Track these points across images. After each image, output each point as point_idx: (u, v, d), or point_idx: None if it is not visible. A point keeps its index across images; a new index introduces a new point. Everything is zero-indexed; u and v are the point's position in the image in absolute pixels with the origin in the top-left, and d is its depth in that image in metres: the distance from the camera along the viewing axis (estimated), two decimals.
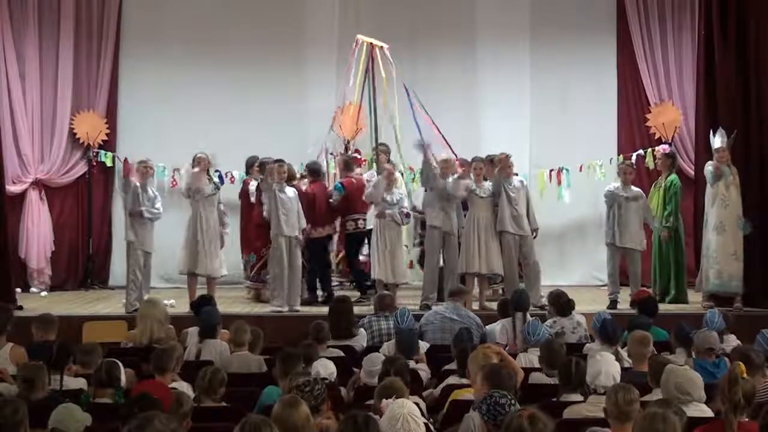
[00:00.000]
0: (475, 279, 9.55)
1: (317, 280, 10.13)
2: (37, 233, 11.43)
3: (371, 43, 11.07)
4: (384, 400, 4.24)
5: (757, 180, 9.73)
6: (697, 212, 10.12)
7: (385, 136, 10.99)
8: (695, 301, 9.85)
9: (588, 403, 4.95)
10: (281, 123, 11.73)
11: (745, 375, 4.18)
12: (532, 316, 7.40)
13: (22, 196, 11.41)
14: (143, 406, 4.04)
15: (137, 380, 5.69)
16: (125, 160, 11.53)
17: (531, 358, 6.51)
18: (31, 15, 11.53)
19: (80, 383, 5.62)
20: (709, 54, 10.04)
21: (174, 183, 11.57)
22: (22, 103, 11.43)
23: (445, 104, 11.36)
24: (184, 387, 5.41)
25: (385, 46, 11.08)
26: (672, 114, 11.77)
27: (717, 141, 9.45)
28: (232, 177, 11.46)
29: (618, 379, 5.07)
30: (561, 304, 7.81)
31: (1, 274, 9.71)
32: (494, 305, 9.17)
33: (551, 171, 11.78)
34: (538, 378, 5.90)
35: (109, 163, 11.83)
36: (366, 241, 10.29)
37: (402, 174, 10.84)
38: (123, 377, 5.43)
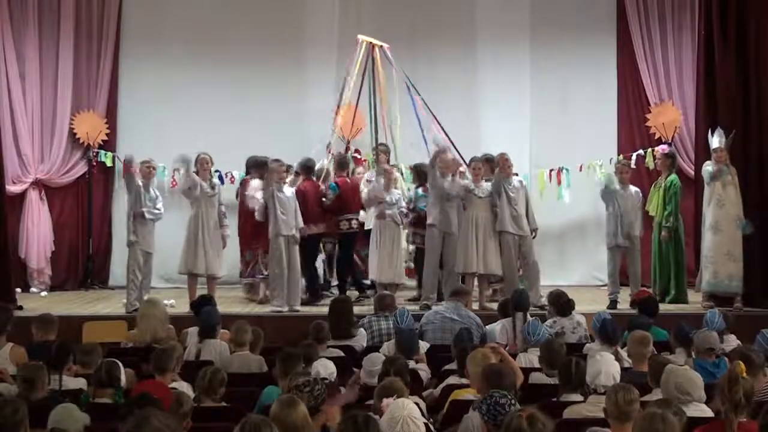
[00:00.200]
0: (475, 279, 9.55)
1: (309, 277, 10.09)
2: (37, 233, 11.43)
3: (372, 43, 11.06)
4: (385, 399, 4.24)
5: (757, 180, 9.73)
6: (698, 212, 10.12)
7: (385, 136, 10.98)
8: (695, 301, 9.85)
9: (588, 403, 4.95)
10: (281, 123, 11.73)
11: (744, 374, 4.18)
12: (532, 316, 7.40)
13: (22, 196, 11.41)
14: (143, 406, 4.03)
15: (137, 380, 5.69)
16: (124, 160, 11.54)
17: (531, 358, 6.51)
18: (31, 15, 11.53)
19: (80, 383, 5.63)
20: (709, 54, 10.04)
21: (174, 183, 11.58)
22: (22, 103, 11.43)
23: (445, 104, 11.35)
24: (184, 387, 5.41)
25: (386, 45, 11.08)
26: (672, 114, 11.77)
27: (715, 141, 9.46)
28: (232, 177, 11.46)
29: (618, 379, 5.08)
30: (561, 304, 7.81)
31: (1, 274, 9.71)
32: (494, 305, 9.22)
33: (551, 171, 11.79)
34: (538, 378, 5.90)
35: (109, 163, 11.84)
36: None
37: (402, 174, 10.84)
38: (123, 377, 5.43)
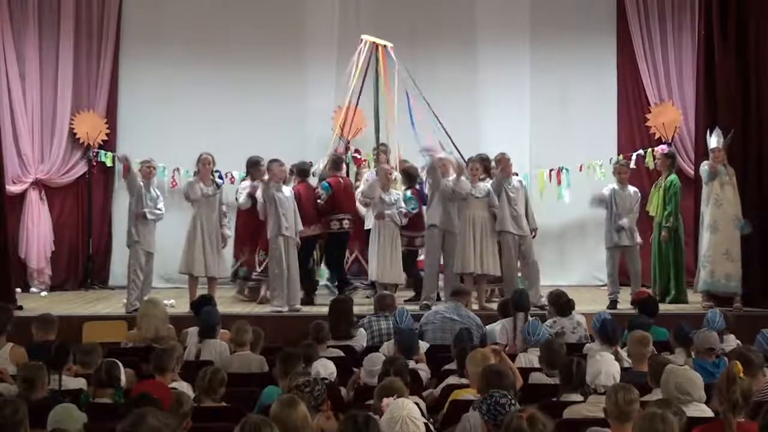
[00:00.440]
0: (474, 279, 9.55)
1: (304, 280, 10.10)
2: (37, 233, 11.43)
3: (375, 43, 11.05)
4: (385, 399, 4.24)
5: (756, 180, 9.73)
6: (697, 212, 10.10)
7: (386, 136, 10.98)
8: (695, 301, 9.85)
9: (588, 403, 4.95)
10: (281, 123, 11.73)
11: (741, 374, 4.18)
12: (532, 316, 7.40)
13: (22, 196, 11.41)
14: (143, 406, 4.03)
15: (137, 380, 5.69)
16: (118, 157, 11.56)
17: (531, 358, 6.51)
18: (31, 15, 11.52)
19: (80, 383, 5.63)
20: (709, 54, 10.04)
21: (174, 183, 11.59)
22: (22, 103, 11.43)
23: (445, 104, 11.33)
24: (184, 387, 5.41)
25: (390, 45, 11.07)
26: (672, 114, 11.77)
27: (713, 141, 9.46)
28: (232, 177, 11.46)
29: (618, 379, 5.08)
30: (561, 304, 7.81)
31: (1, 274, 9.71)
32: (494, 305, 9.22)
33: (551, 171, 11.79)
34: (538, 378, 5.89)
35: (109, 163, 11.84)
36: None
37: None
38: (123, 377, 5.42)
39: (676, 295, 9.96)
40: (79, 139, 11.75)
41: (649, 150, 11.68)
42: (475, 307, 9.17)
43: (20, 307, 9.36)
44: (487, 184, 9.65)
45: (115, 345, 7.28)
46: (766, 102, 9.76)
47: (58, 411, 4.49)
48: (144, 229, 9.44)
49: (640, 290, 9.00)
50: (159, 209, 9.55)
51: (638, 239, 9.77)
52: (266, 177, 9.63)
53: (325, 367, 5.87)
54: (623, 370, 5.57)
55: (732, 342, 6.90)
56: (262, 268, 10.09)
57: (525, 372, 6.02)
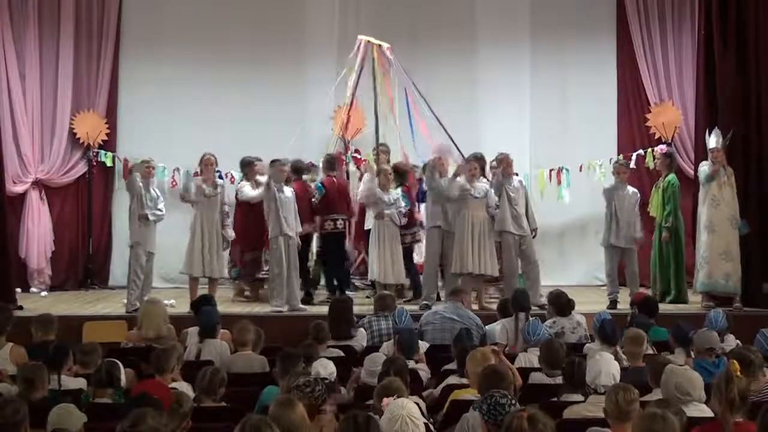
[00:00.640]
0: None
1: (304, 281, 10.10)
2: (37, 233, 11.43)
3: (371, 42, 11.04)
4: (385, 399, 4.24)
5: (756, 180, 9.73)
6: (696, 212, 10.12)
7: (386, 136, 10.98)
8: (695, 301, 9.86)
9: (588, 403, 4.95)
10: (281, 123, 11.71)
11: (739, 373, 4.19)
12: (532, 316, 7.40)
13: (22, 196, 11.41)
14: (143, 406, 4.03)
15: (137, 380, 5.69)
16: (125, 160, 11.56)
17: (531, 358, 6.51)
18: (31, 15, 11.52)
19: (80, 383, 5.63)
20: (709, 54, 10.04)
21: (174, 183, 11.59)
22: (22, 103, 11.43)
23: (445, 104, 11.33)
24: (184, 387, 5.41)
25: (386, 45, 11.07)
26: (672, 114, 11.77)
27: (712, 141, 9.46)
28: (232, 177, 11.46)
29: (618, 378, 5.08)
30: (561, 304, 7.81)
31: (1, 274, 9.71)
32: (492, 305, 9.24)
33: (551, 171, 11.79)
34: (538, 378, 5.89)
35: (109, 163, 11.83)
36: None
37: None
38: (123, 377, 5.43)
39: (676, 295, 9.97)
40: (79, 139, 11.75)
41: (649, 150, 11.68)
42: (475, 307, 9.17)
43: (20, 307, 9.36)
44: (485, 185, 9.65)
45: (115, 345, 7.28)
46: (766, 102, 9.76)
47: (58, 411, 4.49)
48: (145, 229, 9.44)
49: (638, 292, 9.01)
50: (160, 209, 9.55)
51: (640, 236, 9.77)
52: (258, 177, 9.64)
53: (325, 367, 5.86)
54: (623, 369, 5.57)
55: (732, 342, 6.90)
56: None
57: (525, 372, 6.02)
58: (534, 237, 9.90)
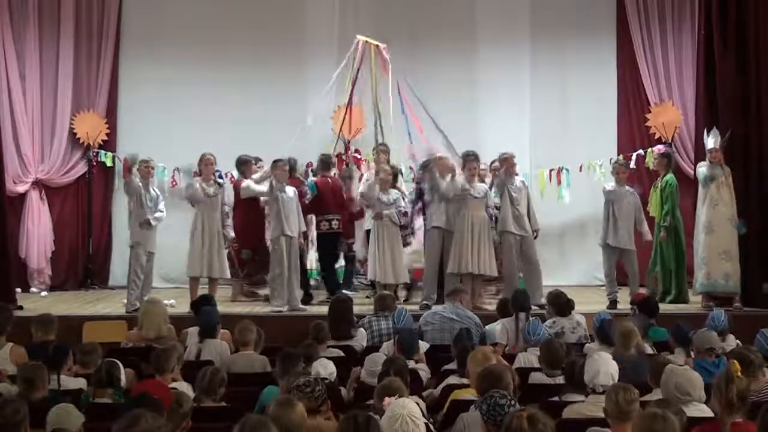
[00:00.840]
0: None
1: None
2: (37, 233, 11.44)
3: (368, 42, 11.05)
4: (386, 398, 4.24)
5: (757, 180, 9.73)
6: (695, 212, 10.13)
7: (386, 136, 10.99)
8: (695, 301, 9.85)
9: (588, 403, 4.95)
10: (281, 123, 11.71)
11: (739, 373, 4.19)
12: (532, 316, 7.40)
13: (22, 196, 11.42)
14: (143, 406, 4.04)
15: (137, 380, 5.69)
16: (125, 159, 11.55)
17: (531, 358, 6.51)
18: (31, 15, 11.53)
19: (80, 383, 5.63)
20: (709, 54, 10.03)
21: (174, 183, 11.59)
22: (22, 103, 11.43)
23: (445, 104, 11.35)
24: (184, 387, 5.40)
25: (382, 45, 11.07)
26: (672, 114, 11.78)
27: (710, 141, 9.47)
28: (232, 177, 11.44)
29: (616, 378, 5.08)
30: (560, 304, 7.81)
31: (1, 274, 9.71)
32: (488, 305, 9.24)
33: (551, 171, 11.79)
34: (538, 378, 5.89)
35: (109, 163, 11.84)
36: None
37: (401, 173, 10.83)
38: (123, 377, 5.43)
39: (676, 295, 9.96)
40: (79, 139, 11.75)
41: (649, 150, 11.68)
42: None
43: (20, 307, 9.36)
44: (484, 185, 9.67)
45: (115, 345, 7.28)
46: (766, 102, 9.76)
47: (57, 411, 4.49)
48: (145, 229, 9.43)
49: (638, 293, 9.02)
50: (161, 210, 9.54)
51: (649, 238, 9.79)
52: (256, 175, 9.62)
53: (325, 367, 5.86)
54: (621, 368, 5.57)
55: (732, 342, 6.90)
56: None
57: (525, 372, 6.02)
58: (536, 238, 9.90)
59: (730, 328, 7.16)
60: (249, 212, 10.23)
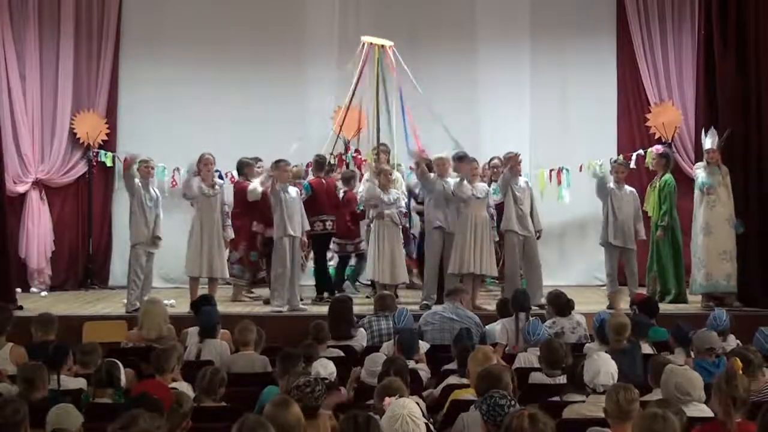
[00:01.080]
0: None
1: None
2: (37, 233, 11.43)
3: (372, 44, 11.03)
4: (387, 398, 4.24)
5: (756, 180, 9.73)
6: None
7: (386, 136, 10.99)
8: (695, 301, 9.85)
9: (588, 403, 4.95)
10: (281, 123, 11.73)
11: (741, 371, 4.19)
12: (532, 316, 7.40)
13: (22, 196, 11.41)
14: (143, 406, 4.04)
15: (137, 380, 5.69)
16: (125, 159, 11.54)
17: (531, 358, 6.51)
18: (31, 15, 11.53)
19: (80, 383, 5.63)
20: (709, 54, 10.04)
21: (174, 183, 11.59)
22: (22, 103, 11.43)
23: (445, 104, 11.35)
24: (184, 387, 5.41)
25: (389, 44, 11.05)
26: (672, 114, 11.77)
27: (708, 142, 9.48)
28: (232, 177, 11.45)
29: (616, 378, 5.08)
30: (560, 304, 7.81)
31: (1, 274, 9.71)
32: (487, 305, 9.24)
33: (551, 171, 11.78)
34: (538, 378, 5.89)
35: (109, 163, 11.84)
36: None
37: (402, 174, 10.84)
38: (123, 377, 5.43)
39: (676, 295, 9.96)
40: (79, 139, 11.75)
41: (649, 150, 11.67)
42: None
43: (20, 307, 9.36)
44: (485, 185, 9.67)
45: (115, 345, 7.28)
46: (766, 102, 9.76)
47: (57, 411, 4.49)
48: (145, 229, 9.43)
49: (638, 293, 9.02)
50: (158, 214, 9.50)
51: (642, 237, 9.79)
52: (261, 177, 9.64)
53: (325, 367, 5.86)
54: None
55: (732, 342, 6.89)
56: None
57: (525, 372, 6.02)
58: (538, 238, 9.91)
59: (731, 328, 7.16)
60: (247, 212, 10.22)
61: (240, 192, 10.36)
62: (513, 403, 4.11)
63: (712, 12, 9.97)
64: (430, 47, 12.12)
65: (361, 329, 7.59)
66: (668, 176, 10.20)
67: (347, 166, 11.33)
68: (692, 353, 6.32)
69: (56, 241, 11.64)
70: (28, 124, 11.51)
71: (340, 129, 11.22)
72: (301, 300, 9.64)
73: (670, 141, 11.65)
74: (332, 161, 10.99)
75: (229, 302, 10.12)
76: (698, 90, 10.59)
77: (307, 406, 4.31)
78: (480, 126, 12.05)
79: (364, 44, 10.99)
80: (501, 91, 12.20)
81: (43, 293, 11.18)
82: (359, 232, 10.58)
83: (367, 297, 10.15)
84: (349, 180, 10.63)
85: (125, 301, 9.42)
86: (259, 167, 10.49)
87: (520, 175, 9.96)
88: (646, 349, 6.66)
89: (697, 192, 9.57)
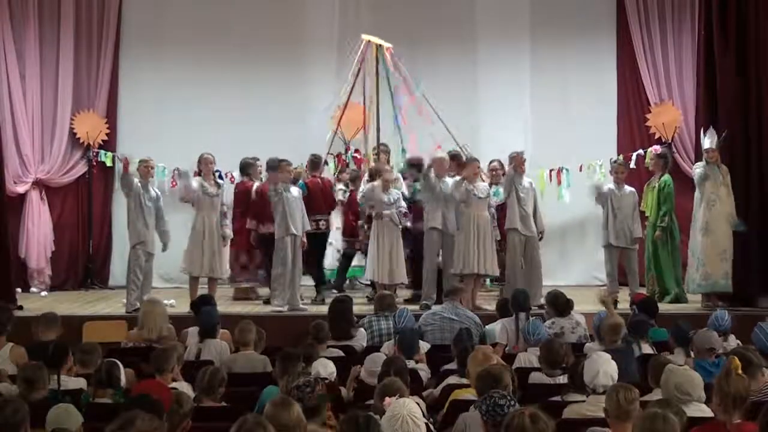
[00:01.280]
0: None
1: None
2: (38, 233, 11.44)
3: (371, 42, 11.04)
4: (387, 398, 4.24)
5: (757, 179, 9.72)
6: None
7: (386, 136, 10.99)
8: (695, 300, 9.85)
9: (588, 403, 4.95)
10: (281, 123, 11.73)
11: (740, 371, 4.19)
12: (532, 316, 7.40)
13: (22, 196, 11.42)
14: (143, 406, 4.04)
15: (137, 380, 5.69)
16: (125, 159, 11.56)
17: (531, 358, 6.51)
18: (31, 15, 11.54)
19: (80, 383, 5.63)
20: (709, 54, 10.03)
21: (174, 183, 11.58)
22: (22, 103, 11.44)
23: (446, 104, 11.35)
24: (184, 387, 5.41)
25: (388, 45, 11.06)
26: (672, 114, 11.77)
27: (707, 142, 9.48)
28: (232, 177, 11.46)
29: (616, 378, 5.08)
30: (559, 304, 7.79)
31: (1, 274, 9.71)
32: (486, 305, 9.24)
33: (551, 171, 11.78)
34: (538, 378, 5.89)
35: (109, 163, 11.85)
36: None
37: (402, 174, 10.83)
38: (123, 377, 5.42)
39: (675, 295, 9.96)
40: (79, 139, 11.75)
41: (649, 150, 11.67)
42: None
43: (20, 307, 9.37)
44: (486, 185, 9.67)
45: (115, 345, 7.28)
46: (766, 102, 9.76)
47: (56, 411, 4.49)
48: (145, 229, 9.44)
49: (638, 293, 9.02)
50: (165, 230, 9.55)
51: (639, 235, 9.79)
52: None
53: (325, 367, 5.87)
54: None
55: (733, 342, 6.89)
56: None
57: (525, 372, 6.02)
58: (540, 239, 9.91)
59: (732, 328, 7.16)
60: (246, 213, 10.23)
61: (243, 192, 10.36)
62: (513, 403, 4.11)
63: (712, 12, 9.96)
64: (430, 47, 12.12)
65: (361, 329, 7.58)
66: (667, 176, 10.20)
67: (347, 165, 11.33)
68: (692, 353, 6.32)
69: (56, 241, 11.65)
70: (28, 124, 11.52)
71: (338, 125, 11.22)
72: (302, 300, 9.64)
73: (670, 141, 11.64)
74: (328, 161, 11.02)
75: (230, 302, 10.12)
76: (698, 90, 10.58)
77: (307, 406, 4.31)
78: (480, 126, 12.05)
79: (363, 41, 10.99)
80: (501, 91, 12.20)
81: (43, 293, 11.18)
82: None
83: (367, 297, 10.15)
84: (354, 180, 10.65)
85: (125, 301, 9.42)
86: (259, 167, 10.50)
87: (524, 173, 9.98)
88: (646, 349, 6.66)
89: (698, 191, 9.57)
